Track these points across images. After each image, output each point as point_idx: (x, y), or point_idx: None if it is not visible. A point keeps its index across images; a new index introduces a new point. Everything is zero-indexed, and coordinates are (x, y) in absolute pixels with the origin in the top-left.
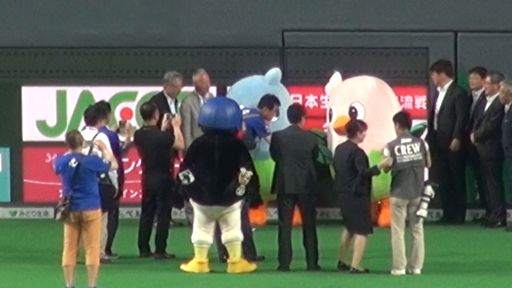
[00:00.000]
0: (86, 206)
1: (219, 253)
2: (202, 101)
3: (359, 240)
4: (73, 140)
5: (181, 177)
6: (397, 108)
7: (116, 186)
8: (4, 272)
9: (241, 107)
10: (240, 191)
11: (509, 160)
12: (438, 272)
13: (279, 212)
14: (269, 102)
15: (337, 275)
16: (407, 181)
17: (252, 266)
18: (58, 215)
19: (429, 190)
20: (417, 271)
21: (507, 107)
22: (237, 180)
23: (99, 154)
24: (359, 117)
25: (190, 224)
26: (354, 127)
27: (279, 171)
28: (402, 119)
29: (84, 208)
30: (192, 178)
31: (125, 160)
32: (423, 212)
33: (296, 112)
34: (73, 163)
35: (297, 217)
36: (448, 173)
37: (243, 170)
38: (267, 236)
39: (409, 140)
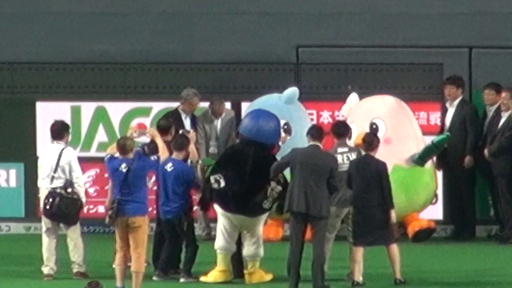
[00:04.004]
0: (133, 212)
1: (233, 268)
2: (215, 122)
3: (395, 249)
4: (124, 147)
5: (212, 180)
6: (416, 125)
7: (84, 199)
8: (19, 287)
9: None
10: (267, 204)
11: None
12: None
13: (290, 229)
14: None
15: None
16: (346, 190)
17: (268, 276)
18: (107, 219)
19: None
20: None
21: None
22: (266, 192)
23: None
24: (381, 132)
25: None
26: (374, 139)
27: (292, 188)
28: (338, 130)
29: (131, 215)
30: (222, 183)
31: None
32: None
33: (318, 131)
34: (123, 168)
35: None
36: (458, 189)
37: (273, 184)
38: (282, 252)
39: (346, 149)
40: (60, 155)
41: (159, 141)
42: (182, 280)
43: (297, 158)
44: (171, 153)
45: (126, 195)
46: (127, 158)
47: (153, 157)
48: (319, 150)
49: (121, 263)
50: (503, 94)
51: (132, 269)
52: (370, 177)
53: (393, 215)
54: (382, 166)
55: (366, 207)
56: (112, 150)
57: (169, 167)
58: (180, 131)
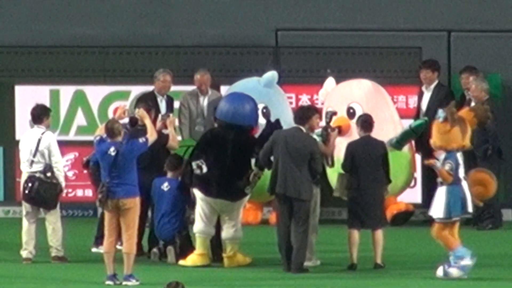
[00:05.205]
0: (123, 194)
1: (212, 252)
2: (201, 99)
3: (381, 234)
4: (112, 130)
5: (194, 166)
6: (393, 108)
7: (63, 184)
8: None
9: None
10: (249, 190)
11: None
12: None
13: (276, 211)
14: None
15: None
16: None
17: (247, 260)
18: (97, 202)
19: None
20: (309, 263)
21: None
22: (248, 178)
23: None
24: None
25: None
26: (370, 118)
27: (274, 170)
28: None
29: (121, 197)
30: (205, 169)
31: None
32: None
33: (300, 114)
34: (112, 151)
35: None
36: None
37: (255, 169)
38: (261, 236)
39: None
40: (39, 140)
41: (148, 122)
42: (169, 247)
43: (279, 140)
44: (158, 134)
45: (115, 178)
46: (115, 141)
47: (141, 139)
48: (301, 133)
49: (110, 249)
50: (470, 78)
51: (124, 251)
52: (376, 158)
53: (388, 190)
54: (383, 145)
55: (371, 187)
56: (101, 131)
57: (165, 186)
58: (160, 115)
